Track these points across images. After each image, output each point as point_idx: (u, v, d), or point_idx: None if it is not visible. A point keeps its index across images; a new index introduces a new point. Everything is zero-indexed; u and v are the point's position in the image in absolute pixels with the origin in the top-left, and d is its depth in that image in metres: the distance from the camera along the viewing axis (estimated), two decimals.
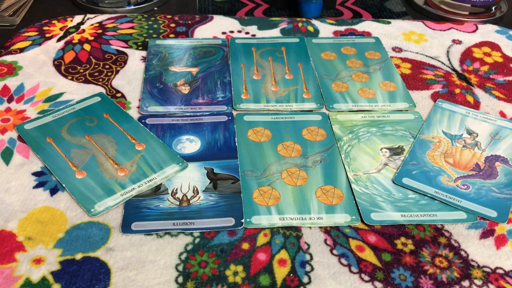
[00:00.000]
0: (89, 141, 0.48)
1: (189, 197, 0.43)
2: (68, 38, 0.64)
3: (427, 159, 0.48)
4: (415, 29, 0.68)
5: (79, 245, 0.39)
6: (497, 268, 0.39)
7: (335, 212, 0.42)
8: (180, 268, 0.37)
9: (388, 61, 0.62)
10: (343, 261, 0.39)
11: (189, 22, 0.68)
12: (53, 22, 0.67)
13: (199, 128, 0.50)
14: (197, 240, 0.40)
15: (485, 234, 0.41)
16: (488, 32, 0.69)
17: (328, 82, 0.58)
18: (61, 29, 0.66)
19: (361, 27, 0.69)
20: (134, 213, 0.41)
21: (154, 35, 0.65)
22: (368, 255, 0.39)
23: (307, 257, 0.39)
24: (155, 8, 0.75)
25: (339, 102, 0.55)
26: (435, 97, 0.56)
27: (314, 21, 0.70)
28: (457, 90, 0.58)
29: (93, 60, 0.60)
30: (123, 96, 0.55)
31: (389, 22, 0.70)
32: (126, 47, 0.62)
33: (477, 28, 0.69)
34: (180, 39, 0.64)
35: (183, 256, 0.38)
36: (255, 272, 0.37)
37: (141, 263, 0.38)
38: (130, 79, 0.57)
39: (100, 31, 0.66)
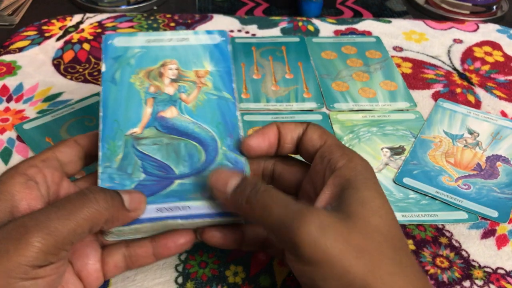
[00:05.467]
0: None
1: None
2: (67, 37, 0.64)
3: (428, 159, 0.47)
4: (416, 28, 0.68)
5: None
6: (498, 268, 0.38)
7: None
8: (180, 268, 0.37)
9: (388, 61, 0.61)
10: None
11: (189, 21, 0.68)
12: (52, 21, 0.67)
13: None
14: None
15: (486, 234, 0.41)
16: (489, 31, 0.69)
17: (329, 82, 0.57)
18: (60, 28, 0.66)
19: (361, 26, 0.69)
20: None
21: None
22: None
23: None
24: (155, 8, 0.75)
25: (340, 102, 0.54)
26: (436, 96, 0.56)
27: (314, 20, 0.70)
28: (458, 90, 0.57)
29: (93, 60, 0.60)
30: None
31: (390, 21, 0.70)
32: None
33: (478, 27, 0.69)
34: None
35: (183, 257, 0.38)
36: (255, 273, 0.37)
37: None
38: None
39: (99, 30, 0.65)
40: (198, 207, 0.32)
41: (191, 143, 0.35)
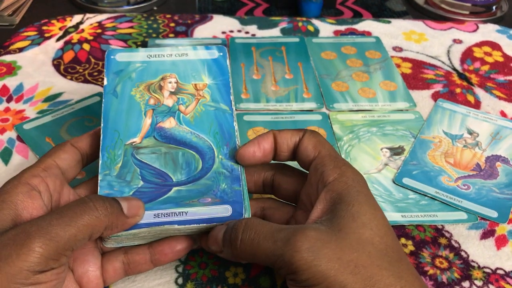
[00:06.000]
0: None
1: None
2: (67, 37, 0.64)
3: (427, 159, 0.47)
4: (416, 29, 0.68)
5: None
6: (497, 268, 0.39)
7: None
8: (180, 269, 0.37)
9: (388, 61, 0.61)
10: None
11: (189, 21, 0.68)
12: (52, 21, 0.67)
13: None
14: None
15: (486, 235, 0.41)
16: (489, 31, 0.69)
17: (328, 82, 0.57)
18: (60, 28, 0.66)
19: (361, 26, 0.69)
20: None
21: (154, 35, 0.65)
22: None
23: None
24: (155, 8, 0.75)
25: (339, 102, 0.54)
26: (435, 96, 0.56)
27: (314, 21, 0.70)
28: (458, 90, 0.57)
29: (92, 60, 0.60)
30: None
31: (390, 22, 0.70)
32: (125, 47, 0.62)
33: (477, 28, 0.69)
34: (179, 38, 0.64)
35: (183, 258, 0.38)
36: (255, 274, 0.37)
37: None
38: None
39: (99, 30, 0.65)
40: (195, 212, 0.33)
41: (189, 151, 0.36)
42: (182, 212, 0.33)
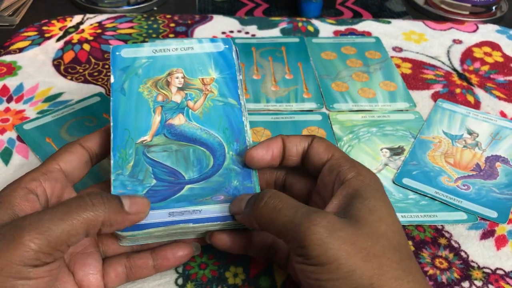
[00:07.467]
0: None
1: None
2: (67, 38, 0.64)
3: (427, 159, 0.47)
4: (416, 29, 0.68)
5: None
6: (497, 269, 0.39)
7: None
8: (180, 270, 0.37)
9: (388, 61, 0.61)
10: None
11: (189, 22, 0.68)
12: (53, 22, 0.67)
13: None
14: None
15: (485, 235, 0.41)
16: (489, 31, 0.69)
17: (328, 82, 0.57)
18: (60, 29, 0.66)
19: (361, 26, 0.69)
20: None
21: (154, 35, 0.65)
22: None
23: None
24: (155, 8, 0.75)
25: (339, 102, 0.54)
26: (435, 97, 0.56)
27: (314, 21, 0.70)
28: (458, 90, 0.57)
29: (93, 60, 0.60)
30: None
31: (389, 22, 0.70)
32: None
33: (477, 28, 0.69)
34: (179, 39, 0.64)
35: None
36: (255, 274, 0.37)
37: None
38: None
39: (99, 31, 0.65)
40: (209, 210, 0.33)
41: (199, 148, 0.36)
42: (196, 210, 0.33)
